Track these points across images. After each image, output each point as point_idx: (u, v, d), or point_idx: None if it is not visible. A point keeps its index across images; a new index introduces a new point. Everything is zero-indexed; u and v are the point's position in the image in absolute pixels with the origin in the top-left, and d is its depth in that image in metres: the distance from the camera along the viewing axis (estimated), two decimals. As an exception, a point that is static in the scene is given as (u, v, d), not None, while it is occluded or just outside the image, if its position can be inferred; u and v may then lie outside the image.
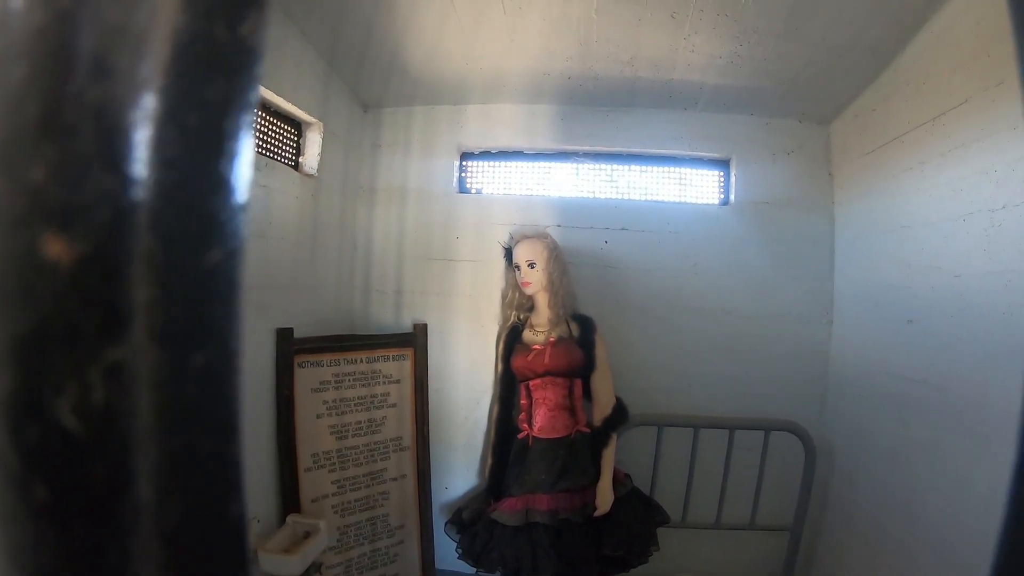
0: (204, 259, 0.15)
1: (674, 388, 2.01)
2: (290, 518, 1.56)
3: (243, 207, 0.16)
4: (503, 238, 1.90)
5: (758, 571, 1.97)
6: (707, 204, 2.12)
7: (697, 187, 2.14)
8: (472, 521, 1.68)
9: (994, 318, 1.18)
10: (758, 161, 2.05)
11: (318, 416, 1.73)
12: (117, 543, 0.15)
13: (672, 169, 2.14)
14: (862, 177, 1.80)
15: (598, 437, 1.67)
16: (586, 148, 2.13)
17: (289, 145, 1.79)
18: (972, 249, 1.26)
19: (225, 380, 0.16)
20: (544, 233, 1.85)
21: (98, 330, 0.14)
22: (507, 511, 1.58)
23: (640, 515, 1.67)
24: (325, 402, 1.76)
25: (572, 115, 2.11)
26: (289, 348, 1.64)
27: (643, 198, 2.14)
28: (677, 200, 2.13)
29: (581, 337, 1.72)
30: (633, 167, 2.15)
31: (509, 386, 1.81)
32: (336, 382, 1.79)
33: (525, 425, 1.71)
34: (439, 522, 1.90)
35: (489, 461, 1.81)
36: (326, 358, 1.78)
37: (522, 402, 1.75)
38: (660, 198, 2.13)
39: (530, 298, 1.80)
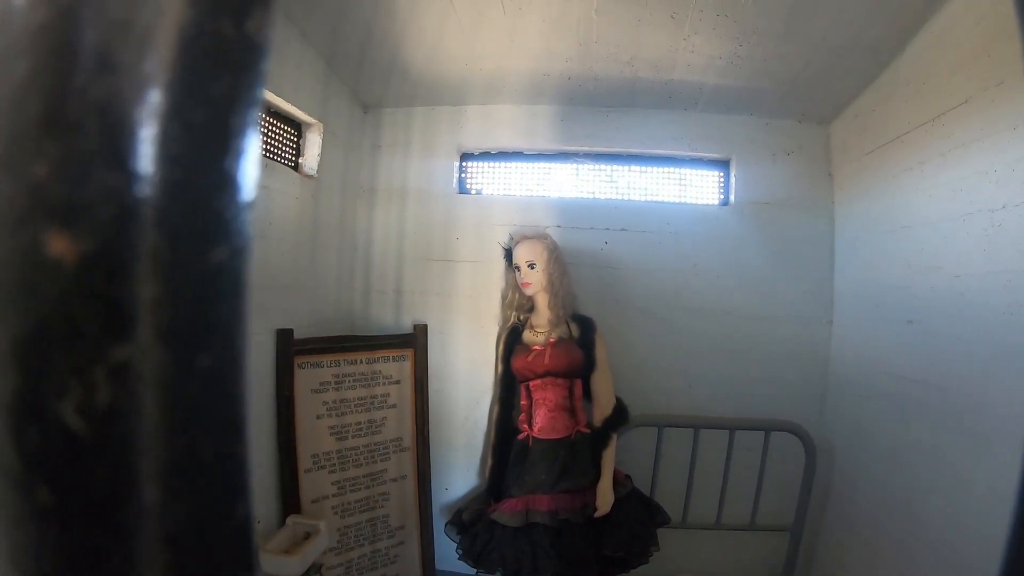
0: (210, 258, 0.15)
1: (674, 389, 2.01)
2: (290, 519, 1.55)
3: (249, 205, 0.16)
4: (503, 239, 1.90)
5: (758, 571, 1.97)
6: (707, 204, 2.12)
7: (697, 187, 2.14)
8: (472, 522, 1.68)
9: (994, 318, 1.18)
10: (758, 161, 2.05)
11: (318, 417, 1.73)
12: (121, 546, 0.14)
13: (672, 170, 2.14)
14: (862, 177, 1.80)
15: (598, 438, 1.66)
16: (586, 149, 2.13)
17: (289, 146, 1.79)
18: (972, 249, 1.26)
19: (231, 380, 0.16)
20: (544, 234, 1.85)
21: (102, 329, 0.14)
22: (507, 512, 1.58)
23: (640, 516, 1.67)
24: (325, 403, 1.75)
25: (572, 116, 2.11)
26: (289, 349, 1.64)
27: (643, 199, 2.14)
28: (677, 200, 2.13)
29: (581, 338, 1.72)
30: (633, 168, 2.15)
31: (509, 387, 1.80)
32: (336, 383, 1.79)
33: (525, 426, 1.71)
34: (439, 523, 1.89)
35: (489, 462, 1.81)
36: (326, 359, 1.77)
37: (522, 403, 1.75)
38: (660, 199, 2.13)
39: (530, 299, 1.80)
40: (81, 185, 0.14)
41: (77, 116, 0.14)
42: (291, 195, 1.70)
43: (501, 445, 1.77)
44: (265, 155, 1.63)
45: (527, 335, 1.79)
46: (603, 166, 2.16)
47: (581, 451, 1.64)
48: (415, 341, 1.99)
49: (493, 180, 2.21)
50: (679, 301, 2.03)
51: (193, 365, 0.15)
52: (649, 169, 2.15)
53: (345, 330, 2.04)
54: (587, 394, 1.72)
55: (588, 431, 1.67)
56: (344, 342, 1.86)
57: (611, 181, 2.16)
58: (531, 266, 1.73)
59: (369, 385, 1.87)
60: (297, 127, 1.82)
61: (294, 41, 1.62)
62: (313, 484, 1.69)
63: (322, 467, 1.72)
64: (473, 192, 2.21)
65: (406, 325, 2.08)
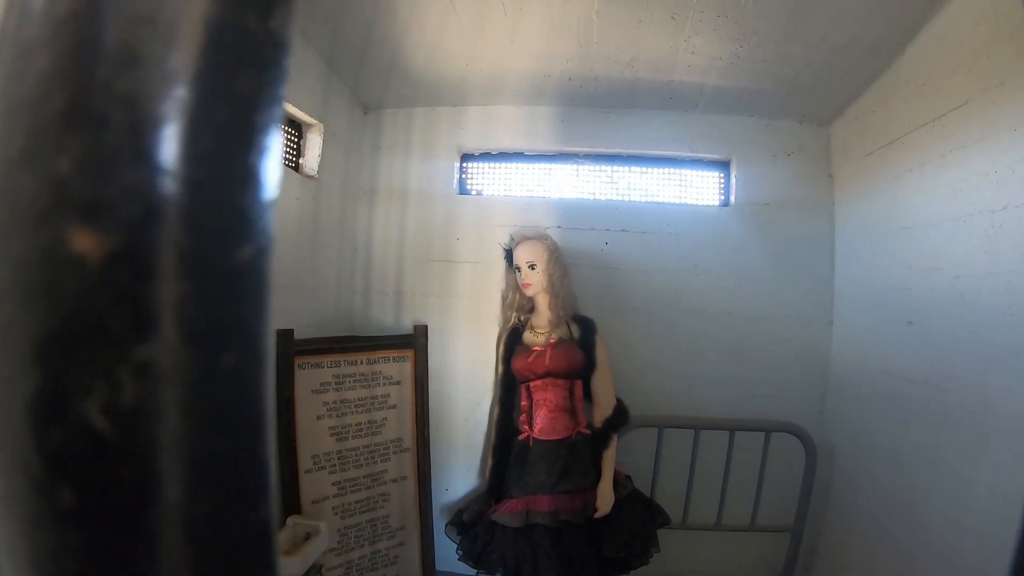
0: (235, 256, 0.15)
1: (675, 389, 2.01)
2: (290, 520, 1.55)
3: (272, 204, 0.16)
4: (503, 239, 1.90)
5: (759, 572, 1.97)
6: (707, 205, 2.12)
7: (697, 188, 2.14)
8: (473, 522, 1.67)
9: (995, 319, 1.19)
10: (758, 162, 2.05)
11: (318, 417, 1.72)
12: (144, 547, 0.14)
13: (672, 170, 2.14)
14: (862, 178, 1.80)
15: (599, 438, 1.66)
16: (586, 149, 2.13)
17: (289, 147, 1.78)
18: (972, 250, 1.26)
19: (254, 380, 0.15)
20: (544, 234, 1.85)
21: (128, 328, 0.13)
22: (508, 512, 1.58)
23: (641, 516, 1.67)
24: (325, 403, 1.75)
25: (572, 116, 2.11)
26: (289, 349, 1.63)
27: (643, 199, 2.14)
28: (677, 201, 2.13)
29: (581, 338, 1.72)
30: (633, 168, 2.15)
31: (509, 387, 1.80)
32: (336, 383, 1.78)
33: (525, 426, 1.71)
34: (439, 524, 1.89)
35: (489, 462, 1.81)
36: (326, 359, 1.77)
37: (522, 403, 1.75)
38: (660, 199, 2.13)
39: (530, 299, 1.80)
40: (105, 181, 0.14)
41: (101, 110, 0.14)
42: (291, 196, 1.69)
43: (501, 446, 1.77)
44: (265, 155, 1.62)
45: (527, 336, 1.79)
46: (603, 167, 2.16)
47: (581, 452, 1.64)
48: (415, 342, 1.98)
49: (493, 181, 2.21)
50: (679, 302, 2.03)
51: (217, 365, 0.15)
52: (649, 170, 2.15)
53: (345, 330, 2.03)
54: (587, 395, 1.72)
55: (588, 432, 1.67)
56: (344, 343, 1.85)
57: (611, 182, 2.16)
58: (531, 267, 1.73)
59: (369, 386, 1.86)
60: (297, 128, 1.81)
61: (294, 41, 1.61)
62: (313, 485, 1.68)
63: (322, 468, 1.71)
64: (473, 193, 2.20)
65: (406, 326, 2.08)
